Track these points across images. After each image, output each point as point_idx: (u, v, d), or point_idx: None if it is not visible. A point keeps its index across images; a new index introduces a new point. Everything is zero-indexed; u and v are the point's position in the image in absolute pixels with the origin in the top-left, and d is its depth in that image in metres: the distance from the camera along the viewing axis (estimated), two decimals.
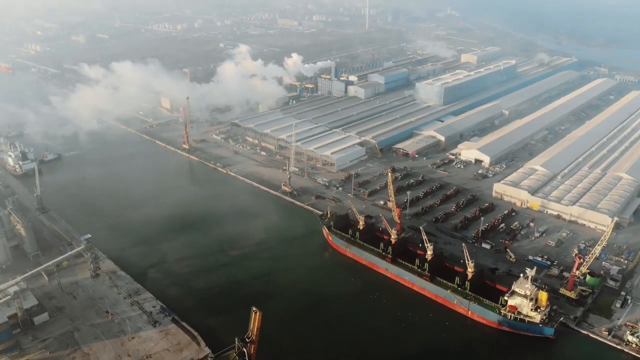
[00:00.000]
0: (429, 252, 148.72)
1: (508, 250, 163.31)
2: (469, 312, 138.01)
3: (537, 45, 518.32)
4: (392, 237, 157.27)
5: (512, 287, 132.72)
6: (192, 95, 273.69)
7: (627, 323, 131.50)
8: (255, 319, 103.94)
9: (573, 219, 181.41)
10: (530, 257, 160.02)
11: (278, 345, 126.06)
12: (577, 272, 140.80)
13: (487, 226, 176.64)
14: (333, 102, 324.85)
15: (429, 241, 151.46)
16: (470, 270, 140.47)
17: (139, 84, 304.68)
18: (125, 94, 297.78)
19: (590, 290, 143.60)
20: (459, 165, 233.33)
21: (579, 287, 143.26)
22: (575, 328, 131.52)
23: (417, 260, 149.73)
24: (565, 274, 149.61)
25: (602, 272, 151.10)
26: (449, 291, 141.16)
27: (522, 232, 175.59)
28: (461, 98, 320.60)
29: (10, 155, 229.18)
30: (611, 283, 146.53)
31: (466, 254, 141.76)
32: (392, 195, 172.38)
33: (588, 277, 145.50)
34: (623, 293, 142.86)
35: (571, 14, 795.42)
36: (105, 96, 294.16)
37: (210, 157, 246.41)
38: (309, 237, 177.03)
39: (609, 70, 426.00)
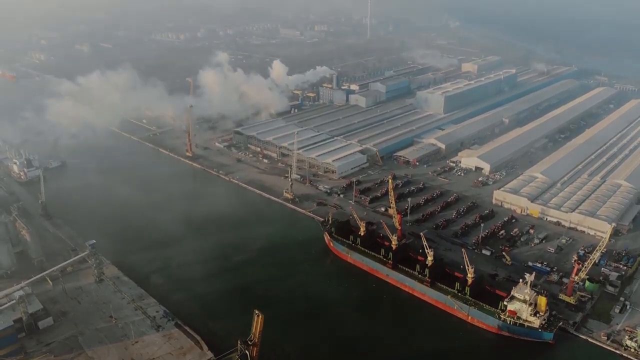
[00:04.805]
0: (430, 258, 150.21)
1: (504, 253, 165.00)
2: (469, 317, 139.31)
3: (537, 55, 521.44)
4: (393, 243, 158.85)
5: (512, 293, 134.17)
6: (179, 107, 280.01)
7: (626, 328, 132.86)
8: (257, 321, 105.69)
9: (572, 225, 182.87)
10: (530, 263, 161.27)
11: (280, 349, 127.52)
12: (576, 278, 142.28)
13: (487, 233, 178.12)
14: (334, 111, 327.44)
15: (430, 247, 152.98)
16: (470, 275, 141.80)
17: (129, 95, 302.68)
18: (120, 102, 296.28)
19: (590, 296, 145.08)
20: (459, 173, 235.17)
21: (578, 292, 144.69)
22: (574, 333, 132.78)
23: (417, 266, 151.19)
24: (565, 280, 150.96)
25: (601, 278, 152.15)
26: (449, 296, 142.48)
27: (522, 239, 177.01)
28: (462, 106, 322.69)
29: (15, 163, 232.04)
30: (610, 289, 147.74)
31: (466, 259, 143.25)
32: (393, 202, 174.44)
33: (587, 282, 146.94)
34: (622, 299, 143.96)
35: (571, 23, 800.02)
36: (102, 104, 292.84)
37: (213, 165, 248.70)
38: (310, 243, 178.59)
39: (608, 79, 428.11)
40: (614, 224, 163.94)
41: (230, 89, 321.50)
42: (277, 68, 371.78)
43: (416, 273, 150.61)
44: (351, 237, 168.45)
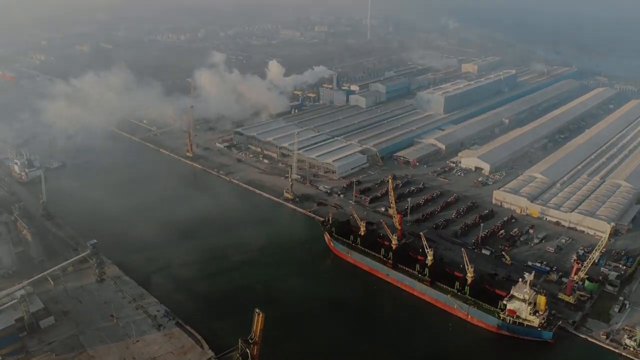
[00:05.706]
0: (430, 258, 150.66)
1: (504, 253, 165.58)
2: (469, 316, 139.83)
3: (537, 55, 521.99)
4: (393, 243, 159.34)
5: (511, 292, 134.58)
6: (179, 107, 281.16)
7: (625, 327, 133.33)
8: (258, 320, 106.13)
9: (572, 225, 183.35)
10: (530, 263, 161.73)
11: (280, 349, 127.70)
12: (576, 277, 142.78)
13: (487, 233, 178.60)
14: (335, 111, 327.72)
15: (430, 247, 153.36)
16: (469, 275, 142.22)
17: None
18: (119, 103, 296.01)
19: (589, 295, 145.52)
20: (459, 173, 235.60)
21: (577, 292, 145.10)
22: (574, 332, 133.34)
23: (417, 266, 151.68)
24: (564, 280, 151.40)
25: (600, 277, 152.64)
26: (449, 296, 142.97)
27: (521, 239, 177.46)
28: (462, 107, 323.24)
29: (16, 163, 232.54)
30: (609, 288, 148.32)
31: (466, 259, 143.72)
32: (393, 202, 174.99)
33: (587, 282, 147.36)
34: (621, 298, 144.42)
35: (571, 23, 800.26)
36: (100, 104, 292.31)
37: (214, 165, 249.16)
38: (310, 243, 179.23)
39: (608, 79, 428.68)
40: (613, 224, 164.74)
41: (228, 89, 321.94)
42: (274, 69, 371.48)
43: (416, 273, 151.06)
44: (351, 237, 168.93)
